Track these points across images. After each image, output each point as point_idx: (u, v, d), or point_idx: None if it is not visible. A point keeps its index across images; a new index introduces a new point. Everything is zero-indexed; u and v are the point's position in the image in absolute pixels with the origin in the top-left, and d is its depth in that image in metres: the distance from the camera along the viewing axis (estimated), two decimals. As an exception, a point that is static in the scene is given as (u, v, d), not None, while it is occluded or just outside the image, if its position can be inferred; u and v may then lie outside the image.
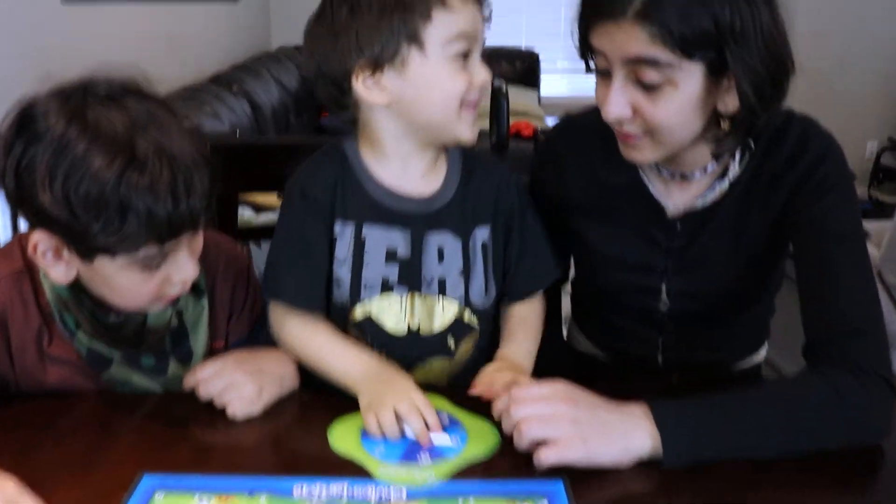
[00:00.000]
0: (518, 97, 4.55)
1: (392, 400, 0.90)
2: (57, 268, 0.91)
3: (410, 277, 1.03)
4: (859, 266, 0.98)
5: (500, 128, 3.35)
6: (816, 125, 1.07)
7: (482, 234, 1.07)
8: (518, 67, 4.97)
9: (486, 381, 0.97)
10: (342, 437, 0.91)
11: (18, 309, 0.97)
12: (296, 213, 1.04)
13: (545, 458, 0.84)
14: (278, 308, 1.04)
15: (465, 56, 0.96)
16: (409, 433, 0.91)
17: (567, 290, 1.37)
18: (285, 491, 0.83)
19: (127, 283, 0.90)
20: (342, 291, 1.04)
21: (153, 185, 0.82)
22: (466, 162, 1.08)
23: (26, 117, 0.85)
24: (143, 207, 0.83)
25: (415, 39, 0.94)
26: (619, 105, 0.97)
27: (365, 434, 0.91)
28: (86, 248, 0.87)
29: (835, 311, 0.96)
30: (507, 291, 1.11)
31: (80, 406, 0.99)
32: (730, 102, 0.97)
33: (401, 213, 1.03)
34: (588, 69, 1.03)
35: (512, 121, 4.09)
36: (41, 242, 0.89)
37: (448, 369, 1.08)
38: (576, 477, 0.85)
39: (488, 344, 1.10)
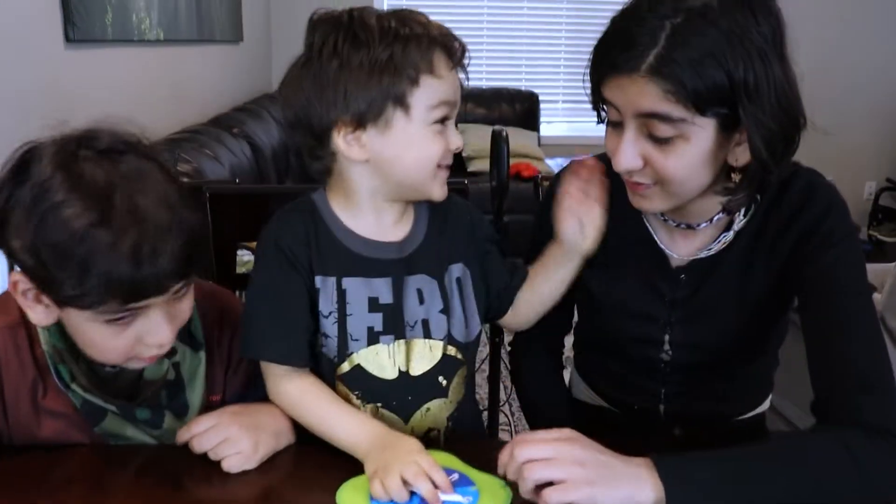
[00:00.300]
0: (518, 138, 4.59)
1: (398, 466, 0.88)
2: (36, 310, 0.90)
3: (395, 323, 1.03)
4: (867, 320, 0.97)
5: (500, 170, 3.35)
6: (821, 178, 1.07)
7: (456, 271, 1.08)
8: (518, 109, 5.00)
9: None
10: (351, 500, 0.89)
11: (13, 361, 0.96)
12: (272, 269, 1.02)
13: (551, 498, 0.82)
14: (269, 368, 1.02)
15: (444, 121, 0.98)
16: (419, 492, 0.89)
17: (570, 338, 1.36)
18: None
19: (97, 337, 0.89)
20: (330, 345, 1.02)
21: (116, 245, 0.81)
22: (433, 208, 1.09)
23: (23, 161, 0.86)
24: (104, 266, 0.81)
25: (401, 102, 0.95)
26: (630, 157, 0.97)
27: (374, 498, 0.89)
28: (54, 297, 0.86)
29: (844, 366, 0.94)
30: (502, 303, 1.14)
31: (72, 460, 0.97)
32: (740, 156, 0.98)
33: (378, 261, 1.03)
34: (600, 120, 1.04)
35: (512, 162, 4.11)
36: (21, 282, 0.88)
37: (446, 410, 1.07)
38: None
39: (473, 378, 1.11)
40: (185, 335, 1.02)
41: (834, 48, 4.56)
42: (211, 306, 1.06)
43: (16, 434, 0.99)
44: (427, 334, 1.04)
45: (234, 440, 0.95)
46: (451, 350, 1.06)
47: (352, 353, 1.02)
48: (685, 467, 0.87)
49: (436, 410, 1.06)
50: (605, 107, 1.00)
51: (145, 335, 0.90)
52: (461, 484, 0.91)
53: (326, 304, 1.02)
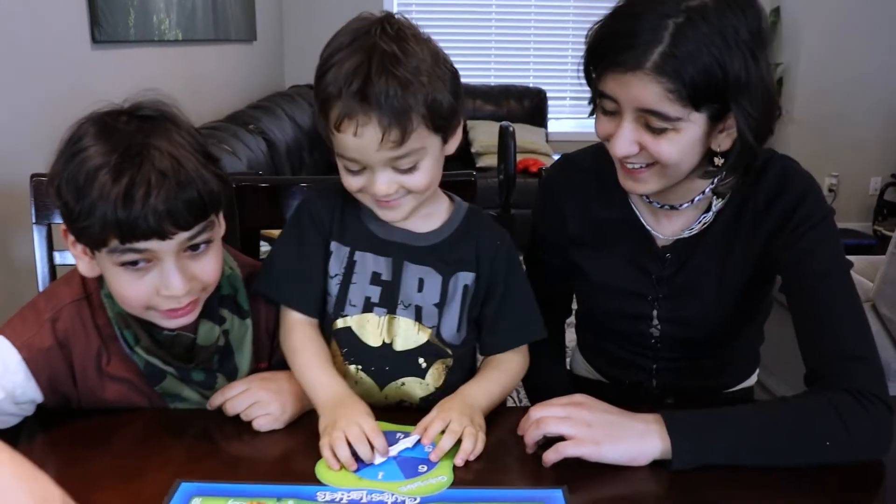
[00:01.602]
0: (525, 134, 4.66)
1: (343, 424, 0.98)
2: (83, 260, 1.02)
3: (390, 299, 1.13)
4: (847, 298, 1.06)
5: (507, 165, 3.45)
6: (796, 165, 1.16)
7: (466, 278, 1.14)
8: (526, 105, 5.08)
9: (423, 425, 1.02)
10: (338, 477, 0.95)
11: (80, 333, 1.06)
12: (300, 227, 1.14)
13: (562, 450, 0.94)
14: (285, 314, 1.14)
15: (364, 169, 1.04)
16: (393, 452, 0.99)
17: (571, 321, 1.46)
18: (310, 496, 0.91)
19: (117, 282, 0.99)
20: (329, 303, 1.14)
21: (114, 184, 0.91)
22: (469, 216, 1.17)
23: (73, 129, 0.98)
24: (101, 203, 0.91)
25: (329, 141, 1.05)
26: (627, 145, 1.05)
27: (359, 468, 0.97)
28: (75, 235, 0.97)
29: (831, 341, 1.03)
30: (483, 345, 1.19)
31: (121, 423, 1.07)
32: (723, 142, 1.06)
33: (389, 242, 1.13)
34: (592, 112, 1.12)
35: (520, 158, 4.20)
36: (65, 231, 1.00)
37: (421, 390, 1.15)
38: (574, 487, 0.93)
39: (466, 377, 1.16)
40: (233, 305, 1.12)
41: (839, 43, 4.61)
42: (250, 278, 1.16)
43: (84, 398, 1.09)
44: (418, 318, 1.13)
45: (263, 403, 1.06)
46: (437, 340, 1.14)
47: (346, 315, 1.13)
48: (691, 421, 0.98)
49: (410, 387, 1.15)
50: (602, 98, 1.08)
51: (160, 286, 0.99)
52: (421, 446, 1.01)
53: (335, 266, 1.13)
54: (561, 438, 0.97)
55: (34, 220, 1.42)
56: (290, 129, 3.67)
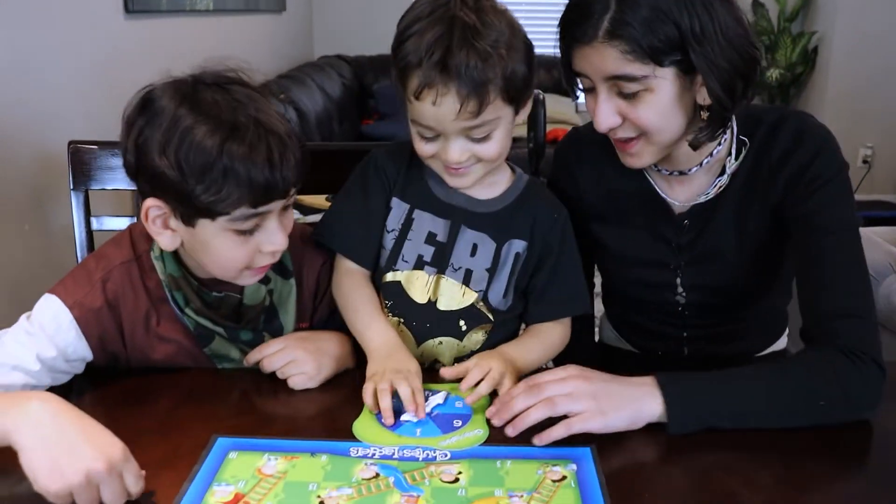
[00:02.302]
0: (555, 105, 4.63)
1: (391, 375, 1.02)
2: (164, 235, 1.03)
3: (441, 260, 1.15)
4: (850, 256, 1.06)
5: (537, 133, 3.44)
6: (811, 120, 1.14)
7: (518, 246, 1.17)
8: (555, 75, 5.00)
9: (461, 369, 1.05)
10: (375, 435, 0.97)
11: (129, 294, 1.09)
12: (366, 181, 1.19)
13: (572, 426, 0.95)
14: (339, 261, 1.19)
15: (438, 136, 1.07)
16: (428, 406, 1.02)
17: (598, 292, 1.45)
18: (343, 451, 0.93)
19: (222, 247, 1.02)
20: (383, 256, 1.18)
21: (251, 154, 0.95)
22: (529, 187, 1.19)
23: (146, 102, 0.99)
24: (244, 172, 0.95)
25: (405, 107, 1.08)
26: (607, 116, 1.07)
27: (395, 425, 0.99)
28: (190, 211, 0.99)
29: (828, 298, 1.04)
30: (527, 314, 1.21)
31: (166, 381, 1.10)
32: (706, 96, 1.05)
33: (449, 205, 1.16)
34: (575, 96, 1.14)
35: (549, 128, 4.17)
36: (152, 209, 1.02)
37: (456, 351, 1.17)
38: (602, 445, 0.95)
39: (505, 336, 1.19)
40: (277, 265, 1.14)
41: (875, 11, 4.48)
42: (300, 242, 1.19)
43: (133, 358, 1.12)
44: (466, 282, 1.15)
45: (299, 362, 1.08)
46: (482, 306, 1.16)
47: (397, 270, 1.16)
48: (685, 383, 0.99)
49: (447, 347, 1.17)
50: (579, 78, 1.09)
51: (263, 243, 1.03)
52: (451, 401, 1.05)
53: (393, 222, 1.17)
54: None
55: (72, 187, 1.46)
56: (319, 99, 3.69)
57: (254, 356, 1.11)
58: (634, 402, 0.98)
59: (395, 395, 1.00)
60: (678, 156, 1.15)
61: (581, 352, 1.25)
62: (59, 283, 1.08)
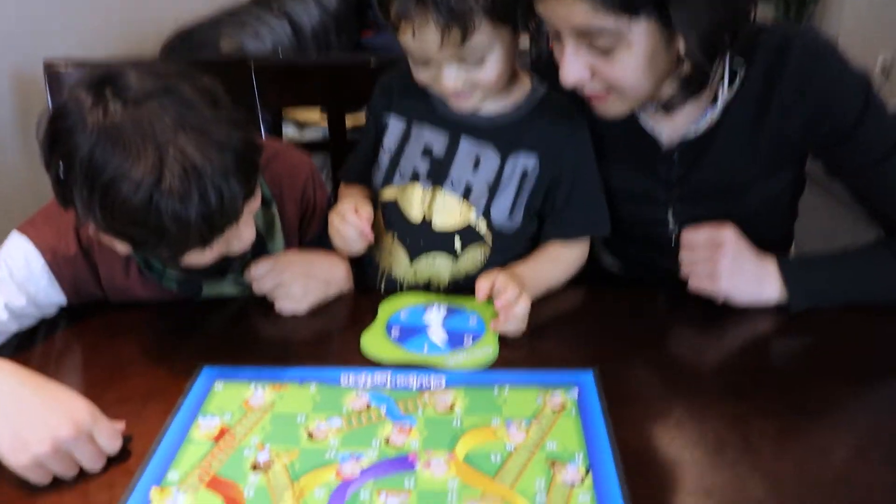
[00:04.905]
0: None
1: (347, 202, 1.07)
2: (115, 243, 0.89)
3: (438, 174, 1.09)
4: None
5: (539, 46, 3.30)
6: (818, 39, 1.02)
7: (527, 161, 1.09)
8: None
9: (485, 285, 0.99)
10: (381, 349, 0.95)
11: (103, 244, 1.01)
12: (369, 109, 1.17)
13: (706, 287, 1.03)
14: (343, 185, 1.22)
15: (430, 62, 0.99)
16: (435, 326, 1.00)
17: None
18: (333, 379, 0.89)
19: (186, 259, 0.91)
20: (379, 175, 1.14)
21: (184, 207, 0.79)
22: (546, 100, 1.10)
23: (57, 133, 0.82)
24: (176, 228, 0.80)
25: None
26: (574, 71, 0.95)
27: (403, 338, 0.97)
28: (141, 253, 0.91)
29: None
30: (543, 233, 1.14)
31: (150, 313, 1.06)
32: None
33: (449, 117, 1.09)
34: (531, 39, 1.05)
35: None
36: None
37: (450, 270, 1.12)
38: (604, 369, 0.91)
39: (503, 261, 1.11)
40: None
41: None
42: (277, 164, 1.12)
43: (114, 297, 1.06)
44: (465, 197, 1.09)
45: (285, 285, 1.04)
46: (482, 225, 1.10)
47: (394, 185, 1.12)
48: (803, 266, 1.04)
49: (441, 265, 1.12)
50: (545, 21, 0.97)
51: (230, 240, 0.91)
52: (455, 314, 1.03)
53: (390, 140, 1.13)
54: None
55: (50, 107, 1.39)
56: (315, 12, 3.55)
57: (247, 277, 1.06)
58: (758, 284, 1.03)
59: (412, 315, 0.99)
60: (662, 95, 1.04)
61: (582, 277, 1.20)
62: (28, 221, 1.01)
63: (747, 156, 1.07)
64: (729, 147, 1.07)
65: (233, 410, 0.85)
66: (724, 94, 1.04)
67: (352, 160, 1.21)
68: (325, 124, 1.67)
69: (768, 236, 1.16)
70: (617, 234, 1.19)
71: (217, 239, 0.87)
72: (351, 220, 1.04)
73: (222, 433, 0.82)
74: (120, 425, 0.81)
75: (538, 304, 1.03)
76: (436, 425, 0.82)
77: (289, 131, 2.24)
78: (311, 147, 1.67)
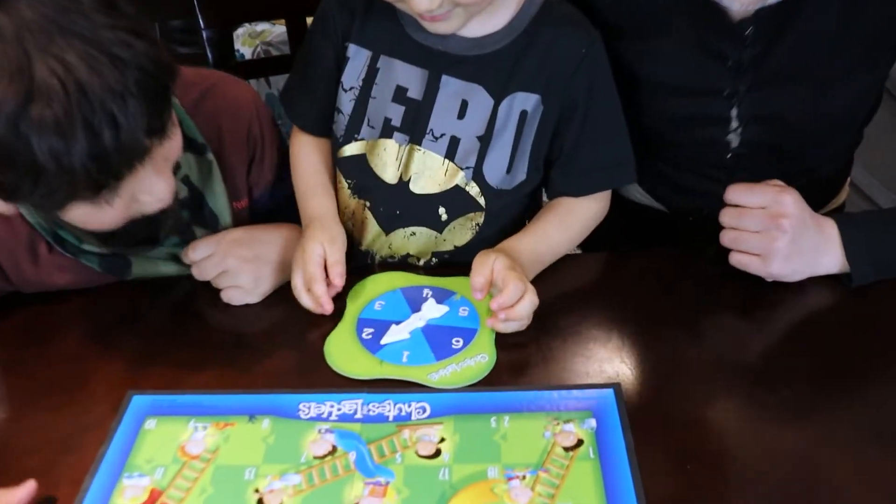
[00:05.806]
0: None
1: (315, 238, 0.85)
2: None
3: (416, 125, 0.87)
4: None
5: None
6: None
7: (525, 101, 0.86)
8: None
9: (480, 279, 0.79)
10: (352, 363, 0.77)
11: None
12: (312, 33, 0.94)
13: (754, 267, 0.83)
14: (293, 128, 0.98)
15: None
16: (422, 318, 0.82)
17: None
18: (290, 411, 0.72)
19: (81, 217, 0.71)
20: (340, 123, 0.91)
21: (63, 139, 0.60)
22: (544, 11, 0.86)
23: None
24: (55, 168, 0.61)
25: None
26: None
27: (377, 342, 0.79)
28: (19, 203, 0.69)
29: None
30: (550, 185, 0.92)
31: (69, 310, 0.88)
32: None
33: (427, 48, 0.86)
34: None
35: None
36: None
37: (433, 245, 0.92)
38: (626, 385, 0.74)
39: (500, 238, 0.88)
40: (185, 141, 0.82)
41: None
42: (211, 101, 0.91)
43: (27, 289, 0.88)
44: (450, 155, 0.87)
45: (232, 273, 0.86)
46: (473, 188, 0.88)
47: (361, 139, 0.90)
48: (870, 233, 0.85)
49: (422, 240, 0.92)
50: None
51: (138, 194, 0.71)
52: (439, 297, 0.85)
53: (350, 77, 0.90)
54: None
55: None
56: None
57: (187, 256, 0.87)
58: (816, 255, 0.85)
59: (388, 307, 0.82)
60: None
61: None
62: None
63: (840, 37, 0.86)
64: (822, 17, 0.85)
65: (166, 463, 0.68)
66: None
67: (301, 94, 0.95)
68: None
69: (832, 160, 0.98)
70: (654, 147, 0.98)
71: (114, 187, 0.66)
72: (313, 297, 0.82)
73: (153, 498, 0.65)
74: (29, 488, 0.64)
75: (543, 277, 0.85)
76: (418, 479, 0.65)
77: (240, 31, 1.93)
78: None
